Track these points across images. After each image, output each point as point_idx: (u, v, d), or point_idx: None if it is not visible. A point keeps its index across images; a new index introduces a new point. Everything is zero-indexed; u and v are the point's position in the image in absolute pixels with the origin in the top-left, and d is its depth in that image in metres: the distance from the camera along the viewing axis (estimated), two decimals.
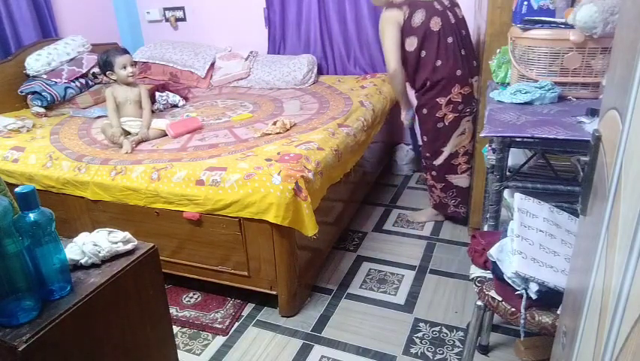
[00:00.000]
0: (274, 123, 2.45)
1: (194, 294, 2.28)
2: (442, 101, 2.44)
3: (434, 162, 2.62)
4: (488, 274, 1.45)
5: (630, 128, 0.66)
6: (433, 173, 2.67)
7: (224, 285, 2.17)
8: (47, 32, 3.42)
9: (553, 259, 1.30)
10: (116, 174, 2.15)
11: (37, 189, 0.96)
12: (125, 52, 2.64)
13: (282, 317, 2.12)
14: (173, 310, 2.16)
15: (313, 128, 2.44)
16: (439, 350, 1.89)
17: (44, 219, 0.94)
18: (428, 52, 2.38)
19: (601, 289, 0.71)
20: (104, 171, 2.17)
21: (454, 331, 1.99)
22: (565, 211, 1.47)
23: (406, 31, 2.38)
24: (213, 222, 2.02)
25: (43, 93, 3.01)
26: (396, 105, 3.27)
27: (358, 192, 2.89)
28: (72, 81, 3.16)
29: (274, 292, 2.08)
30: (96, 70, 3.22)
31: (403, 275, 2.36)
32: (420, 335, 1.98)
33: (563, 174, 1.77)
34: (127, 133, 2.49)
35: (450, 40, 2.37)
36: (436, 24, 2.34)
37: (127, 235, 1.15)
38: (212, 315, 2.14)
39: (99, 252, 1.09)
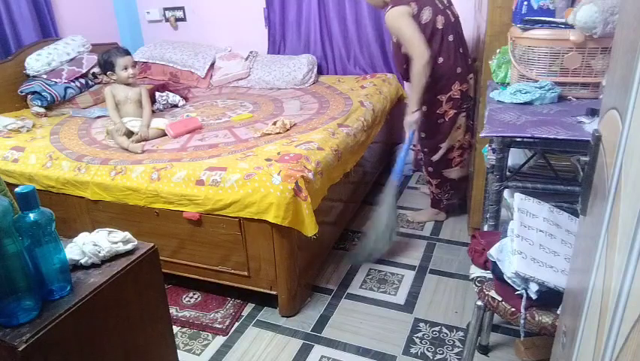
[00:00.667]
0: (274, 123, 2.45)
1: (194, 294, 2.28)
2: (442, 98, 2.47)
3: (432, 158, 2.66)
4: (488, 274, 1.45)
5: (630, 128, 0.66)
6: (430, 169, 2.72)
7: (224, 285, 2.17)
8: (47, 32, 3.41)
9: (554, 259, 1.30)
10: (116, 174, 2.15)
11: (37, 189, 0.96)
12: (127, 52, 2.64)
13: (282, 316, 2.12)
14: (173, 310, 2.16)
15: (313, 128, 2.44)
16: (439, 350, 1.89)
17: (44, 219, 0.94)
18: (432, 49, 2.37)
19: (601, 289, 0.71)
20: (104, 171, 2.17)
21: (454, 331, 1.99)
22: (565, 211, 1.47)
23: None
24: (213, 223, 2.02)
25: (43, 93, 3.01)
26: (396, 105, 3.28)
27: (358, 192, 2.89)
28: (72, 81, 3.16)
29: (274, 292, 2.08)
30: (96, 70, 3.22)
31: (402, 275, 2.36)
32: (420, 335, 1.98)
33: (563, 174, 1.77)
34: (129, 133, 2.49)
35: (450, 38, 2.40)
36: (440, 22, 2.37)
37: (127, 235, 1.15)
38: (212, 315, 2.14)
39: (99, 252, 1.09)
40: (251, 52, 3.61)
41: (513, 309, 1.32)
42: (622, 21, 0.82)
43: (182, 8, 3.93)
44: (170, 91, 3.19)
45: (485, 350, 1.86)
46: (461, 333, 1.97)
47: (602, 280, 0.72)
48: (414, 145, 3.18)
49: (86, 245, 1.09)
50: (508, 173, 1.74)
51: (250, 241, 2.01)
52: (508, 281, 1.32)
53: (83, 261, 1.07)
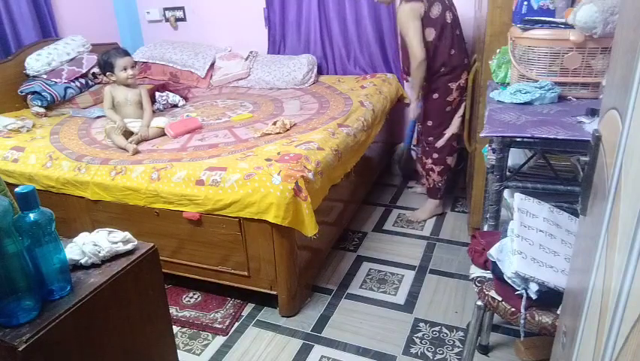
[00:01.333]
0: (274, 123, 2.44)
1: (194, 294, 2.28)
2: (453, 85, 2.66)
3: (436, 145, 2.77)
4: (488, 274, 1.45)
5: (630, 128, 0.66)
6: (435, 155, 2.80)
7: (224, 285, 2.17)
8: (47, 32, 3.41)
9: (554, 259, 1.30)
10: (116, 174, 2.15)
11: (37, 189, 0.96)
12: (126, 53, 2.63)
13: (282, 316, 2.12)
14: (173, 310, 2.16)
15: (313, 128, 2.44)
16: (439, 350, 1.89)
17: (44, 219, 0.94)
18: (445, 41, 2.56)
19: (601, 289, 0.71)
20: (104, 171, 2.17)
21: (454, 331, 1.99)
22: (565, 211, 1.47)
23: (425, 22, 2.52)
24: (213, 223, 2.02)
25: (43, 93, 3.01)
26: (396, 106, 3.28)
27: (358, 192, 2.89)
28: (72, 81, 3.16)
29: (274, 292, 2.08)
30: (96, 70, 3.22)
31: (402, 275, 2.36)
32: (420, 335, 1.98)
33: (563, 174, 1.76)
34: (130, 133, 2.49)
35: (458, 32, 2.62)
36: (448, 17, 2.54)
37: (127, 235, 1.15)
38: (212, 315, 2.14)
39: (99, 252, 1.09)
40: (251, 52, 3.61)
41: (513, 309, 1.32)
42: (622, 21, 0.82)
43: (182, 8, 3.92)
44: (170, 91, 3.19)
45: (485, 350, 1.86)
46: (461, 333, 1.97)
47: (602, 280, 0.72)
48: (414, 145, 3.21)
49: (86, 245, 1.09)
50: (508, 173, 1.74)
51: (250, 241, 2.01)
52: (508, 281, 1.32)
53: (83, 261, 1.07)
